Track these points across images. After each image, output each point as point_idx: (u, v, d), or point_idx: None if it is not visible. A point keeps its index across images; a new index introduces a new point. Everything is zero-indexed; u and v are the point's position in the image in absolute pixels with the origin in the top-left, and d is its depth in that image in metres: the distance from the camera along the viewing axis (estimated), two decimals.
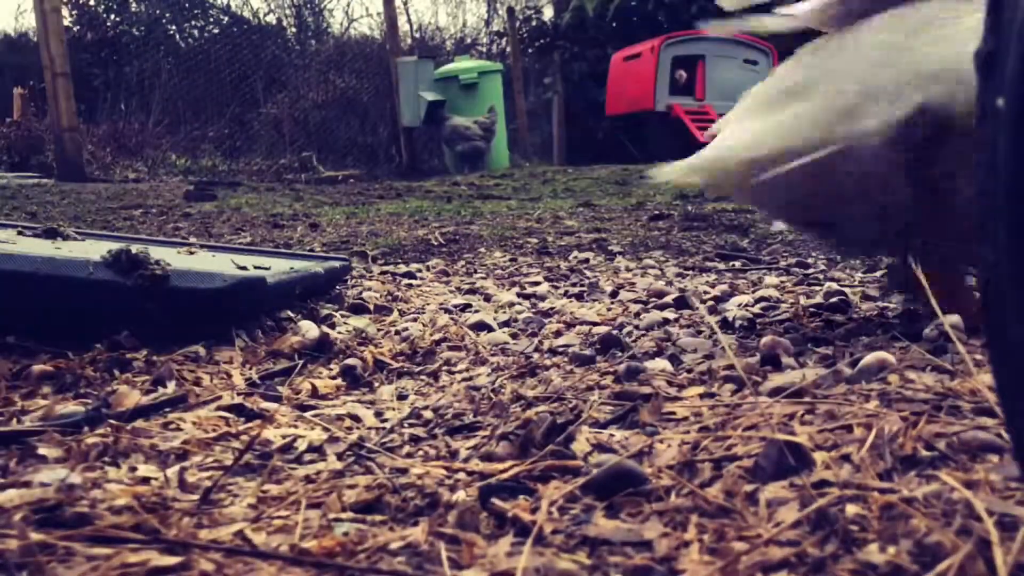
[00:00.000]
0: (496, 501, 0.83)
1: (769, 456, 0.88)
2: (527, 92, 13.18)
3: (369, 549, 0.76)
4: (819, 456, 0.90)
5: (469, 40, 16.40)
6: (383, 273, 2.69)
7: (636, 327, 1.77)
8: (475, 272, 2.74)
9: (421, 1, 29.30)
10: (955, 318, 1.39)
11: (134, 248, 1.55)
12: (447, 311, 2.04)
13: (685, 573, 0.70)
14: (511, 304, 2.11)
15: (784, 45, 11.68)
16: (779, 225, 2.09)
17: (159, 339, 1.53)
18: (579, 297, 2.23)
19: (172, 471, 0.94)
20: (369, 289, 2.36)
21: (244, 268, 1.77)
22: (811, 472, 0.86)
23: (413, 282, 2.52)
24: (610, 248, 3.20)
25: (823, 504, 0.77)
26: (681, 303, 2.02)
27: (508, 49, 13.45)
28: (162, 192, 5.91)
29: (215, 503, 0.88)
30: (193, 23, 12.67)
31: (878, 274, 2.46)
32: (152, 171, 8.30)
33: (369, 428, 1.17)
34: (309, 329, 1.64)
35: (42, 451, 1.00)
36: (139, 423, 1.14)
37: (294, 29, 14.43)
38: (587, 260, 2.92)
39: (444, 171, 9.86)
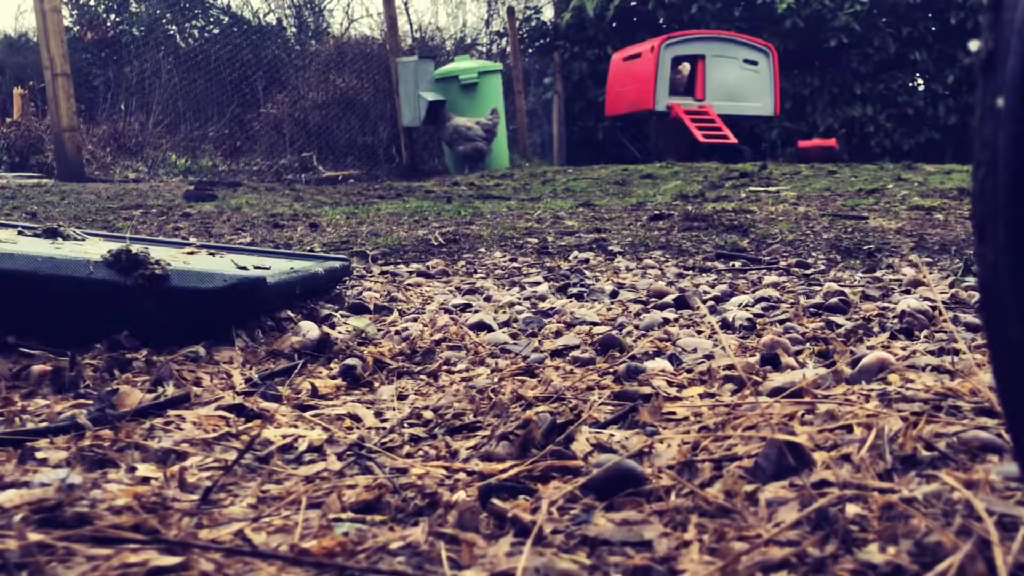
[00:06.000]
0: (496, 501, 0.83)
1: (769, 456, 0.88)
2: (527, 92, 13.18)
3: (369, 549, 0.76)
4: (819, 456, 0.90)
5: (469, 40, 16.39)
6: (383, 273, 2.69)
7: (636, 327, 1.77)
8: (475, 272, 2.74)
9: (421, 1, 29.29)
10: None
11: (134, 248, 1.55)
12: (447, 311, 2.04)
13: (685, 573, 0.70)
14: (511, 304, 2.11)
15: (784, 46, 11.69)
16: None
17: (159, 339, 1.53)
18: (579, 297, 2.23)
19: (172, 471, 0.94)
20: (369, 289, 2.36)
21: (244, 268, 1.77)
22: (811, 472, 0.86)
23: (413, 282, 2.52)
24: (610, 248, 3.20)
25: (823, 504, 0.77)
26: (681, 303, 2.02)
27: (508, 49, 13.45)
28: (162, 192, 5.91)
29: (215, 503, 0.88)
30: (193, 23, 12.66)
31: (878, 274, 2.46)
32: (152, 171, 8.30)
33: (369, 428, 1.17)
34: (309, 329, 1.64)
35: (42, 451, 1.00)
36: (139, 423, 1.14)
37: (294, 29, 14.43)
38: (587, 260, 2.92)
39: (444, 171, 9.86)
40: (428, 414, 1.21)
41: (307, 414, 1.21)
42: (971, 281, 2.19)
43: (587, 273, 2.63)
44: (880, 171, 6.68)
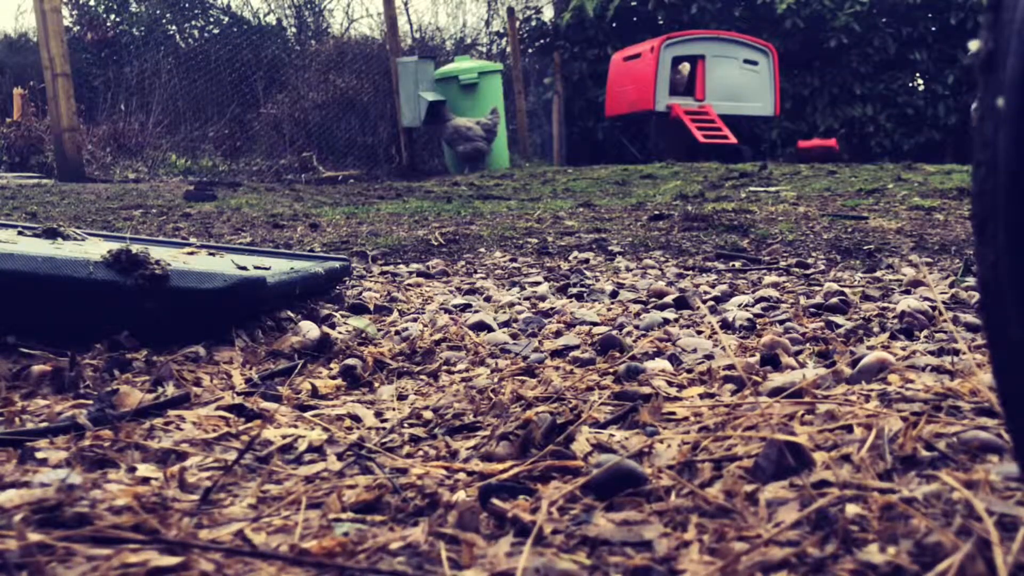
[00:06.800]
0: (496, 501, 0.83)
1: (769, 456, 0.88)
2: (527, 92, 13.18)
3: (369, 549, 0.76)
4: (819, 456, 0.90)
5: (469, 40, 16.39)
6: (383, 273, 2.69)
7: (636, 327, 1.77)
8: (475, 272, 2.74)
9: (421, 1, 29.31)
10: None
11: (134, 248, 1.55)
12: (447, 311, 2.04)
13: (685, 573, 0.70)
14: (511, 304, 2.11)
15: (784, 46, 11.69)
16: None
17: (159, 339, 1.53)
18: (579, 297, 2.23)
19: (172, 471, 0.94)
20: (369, 289, 2.36)
21: (244, 268, 1.77)
22: (811, 472, 0.86)
23: (413, 282, 2.52)
24: (610, 248, 3.20)
25: (823, 504, 0.77)
26: (681, 303, 2.02)
27: (508, 49, 13.45)
28: (162, 192, 5.91)
29: (215, 503, 0.88)
30: (193, 23, 12.66)
31: (878, 274, 2.46)
32: (152, 171, 8.30)
33: (369, 428, 1.17)
34: (309, 329, 1.64)
35: (42, 451, 1.00)
36: (139, 423, 1.14)
37: (294, 29, 14.43)
38: (587, 260, 2.92)
39: (444, 171, 9.86)
40: (428, 414, 1.21)
41: (307, 414, 1.21)
42: (971, 281, 2.19)
43: (587, 273, 2.63)
44: (880, 171, 6.68)
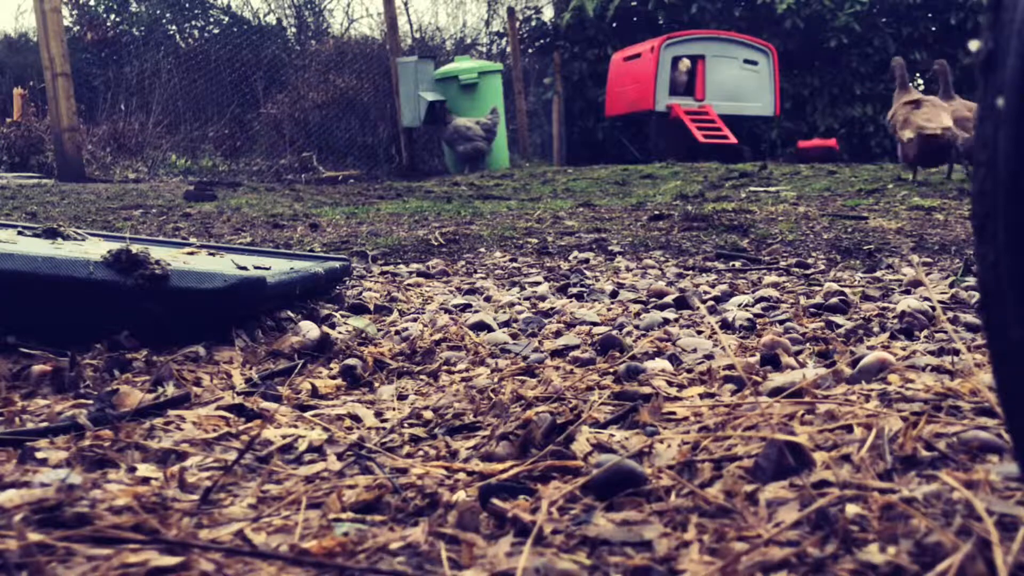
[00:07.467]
0: (496, 501, 0.83)
1: (769, 456, 0.88)
2: (527, 92, 13.18)
3: (369, 549, 0.76)
4: (819, 456, 0.90)
5: (469, 40, 16.39)
6: (383, 273, 2.69)
7: (636, 327, 1.77)
8: (475, 272, 2.74)
9: (421, 1, 29.30)
10: None
11: (134, 248, 1.55)
12: (447, 311, 2.04)
13: (685, 573, 0.70)
14: (511, 304, 2.11)
15: (784, 46, 11.69)
16: None
17: (159, 339, 1.53)
18: (579, 297, 2.23)
19: (172, 471, 0.94)
20: (369, 289, 2.36)
21: (244, 268, 1.77)
22: (811, 472, 0.86)
23: (413, 282, 2.52)
24: (610, 248, 3.20)
25: (823, 504, 0.77)
26: (681, 303, 2.02)
27: (508, 49, 13.45)
28: (162, 192, 5.91)
29: (215, 503, 0.88)
30: (193, 23, 12.66)
31: (878, 274, 2.46)
32: (152, 171, 8.30)
33: (369, 428, 1.17)
34: (309, 329, 1.64)
35: (42, 451, 1.00)
36: (139, 423, 1.14)
37: (294, 29, 14.43)
38: (587, 260, 2.92)
39: (444, 171, 9.86)
40: (428, 414, 1.21)
41: (307, 414, 1.21)
42: (971, 281, 2.19)
43: (587, 273, 2.63)
44: (880, 171, 6.68)
